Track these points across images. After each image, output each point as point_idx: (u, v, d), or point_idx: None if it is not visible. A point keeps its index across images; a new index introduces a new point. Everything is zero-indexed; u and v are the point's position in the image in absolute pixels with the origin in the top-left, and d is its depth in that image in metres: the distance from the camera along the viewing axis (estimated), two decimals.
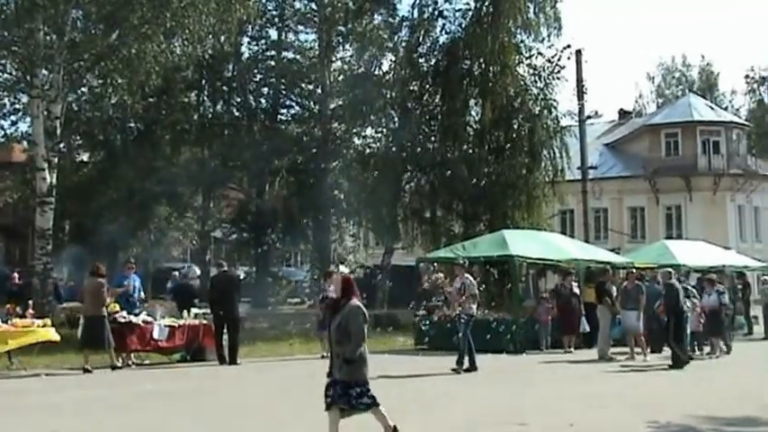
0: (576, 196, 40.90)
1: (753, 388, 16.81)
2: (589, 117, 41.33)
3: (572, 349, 23.60)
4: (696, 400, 14.81)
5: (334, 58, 43.43)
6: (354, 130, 42.42)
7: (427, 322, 24.86)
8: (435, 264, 27.60)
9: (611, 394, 15.78)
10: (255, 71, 44.48)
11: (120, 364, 18.83)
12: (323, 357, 20.84)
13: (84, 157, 43.81)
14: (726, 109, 77.21)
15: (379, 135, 41.35)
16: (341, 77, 43.08)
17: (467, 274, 19.32)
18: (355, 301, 10.10)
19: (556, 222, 43.12)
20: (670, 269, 23.18)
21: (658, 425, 12.23)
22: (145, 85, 31.94)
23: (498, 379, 18.06)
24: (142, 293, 21.44)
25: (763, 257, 43.86)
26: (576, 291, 24.53)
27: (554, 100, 36.12)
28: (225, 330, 20.10)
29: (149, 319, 19.93)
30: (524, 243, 26.16)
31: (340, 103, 42.81)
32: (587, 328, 24.07)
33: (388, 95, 39.08)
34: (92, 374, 17.90)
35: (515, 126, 35.83)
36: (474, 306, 19.22)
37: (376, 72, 40.47)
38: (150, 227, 42.52)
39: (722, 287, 24.33)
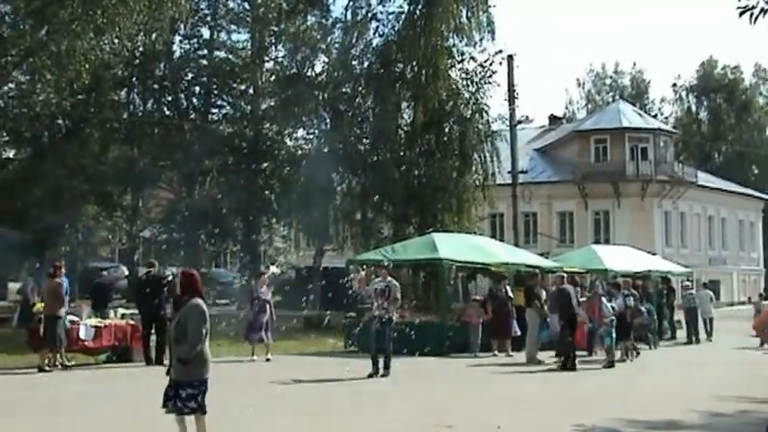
0: (506, 200, 41.24)
1: (676, 392, 17.12)
2: (520, 122, 41.66)
3: (510, 352, 23.68)
4: (621, 404, 15.03)
5: (266, 59, 43.23)
6: (286, 131, 42.26)
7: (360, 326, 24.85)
8: (365, 265, 27.60)
9: (538, 397, 15.95)
10: (187, 70, 44.07)
11: (48, 367, 18.59)
12: (252, 361, 20.80)
13: (11, 154, 43.02)
14: (655, 116, 78.61)
15: (311, 136, 41.32)
16: (273, 78, 42.87)
17: (390, 277, 19.14)
18: (196, 300, 9.72)
19: (486, 226, 43.41)
20: (563, 274, 23.61)
21: (584, 428, 12.39)
22: (74, 82, 31.46)
23: (425, 382, 18.14)
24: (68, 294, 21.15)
25: (687, 263, 44.75)
26: (511, 294, 24.71)
27: (485, 104, 36.39)
28: (153, 331, 19.97)
29: (75, 319, 19.69)
30: (454, 246, 26.27)
31: (272, 103, 42.61)
32: (518, 332, 24.28)
33: (321, 97, 39.01)
34: (19, 376, 17.70)
35: (447, 129, 36.02)
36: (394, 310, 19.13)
37: (308, 73, 40.35)
38: (78, 226, 41.88)
39: (627, 291, 24.68)
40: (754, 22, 13.14)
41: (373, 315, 18.59)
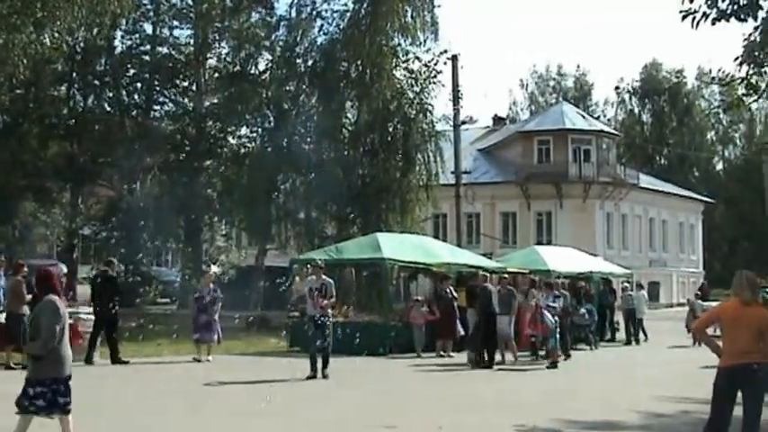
0: (449, 200, 41.36)
1: (616, 392, 17.30)
2: (464, 122, 41.88)
3: (451, 353, 23.74)
4: (563, 404, 15.15)
5: (209, 56, 42.88)
6: (229, 129, 41.96)
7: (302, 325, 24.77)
8: (309, 265, 27.53)
9: (480, 397, 16.02)
10: (129, 66, 43.56)
11: (13, 364, 18.43)
12: (194, 360, 20.62)
13: None
14: (598, 118, 79.29)
15: (254, 135, 41.06)
16: (216, 75, 42.54)
17: (324, 276, 19.02)
18: (51, 297, 9.46)
19: (429, 226, 43.53)
20: (486, 273, 23.82)
21: (525, 428, 12.48)
22: (13, 77, 30.97)
23: (367, 382, 18.14)
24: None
25: (628, 264, 45.19)
26: (455, 295, 24.79)
27: (430, 104, 36.59)
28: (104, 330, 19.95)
29: None
30: (397, 246, 26.32)
31: (215, 101, 42.29)
32: (462, 332, 24.37)
33: (264, 95, 38.86)
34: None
35: (391, 129, 36.12)
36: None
37: (252, 71, 40.16)
38: (15, 222, 41.25)
39: (559, 292, 24.95)
40: (696, 26, 13.35)
41: (309, 315, 18.41)
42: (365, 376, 19.02)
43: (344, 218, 35.49)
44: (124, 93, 43.76)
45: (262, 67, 40.29)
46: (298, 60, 37.70)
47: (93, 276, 23.31)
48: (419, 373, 20.27)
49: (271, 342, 26.05)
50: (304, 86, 37.62)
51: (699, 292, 40.57)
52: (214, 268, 41.82)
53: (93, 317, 20.35)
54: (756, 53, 13.93)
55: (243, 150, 41.04)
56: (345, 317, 24.45)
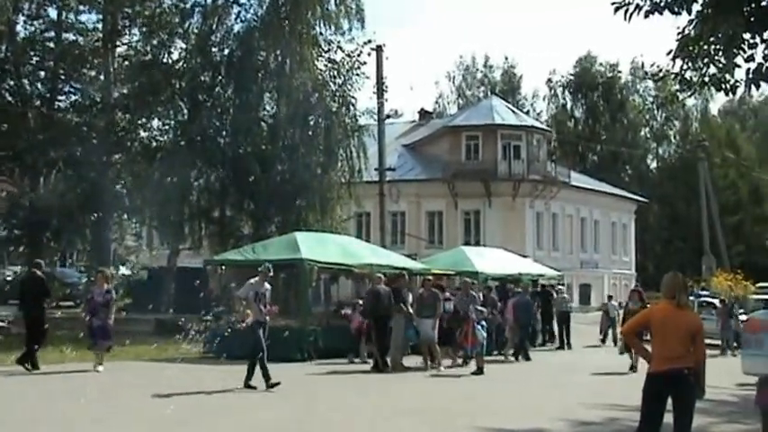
0: (372, 199, 41.36)
1: (545, 399, 17.42)
2: (388, 116, 41.98)
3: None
4: (487, 412, 15.21)
5: (119, 43, 42.22)
6: (140, 122, 41.36)
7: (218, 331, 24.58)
8: (223, 266, 27.35)
9: (402, 405, 16.02)
10: (32, 53, 42.70)
11: None
12: (94, 369, 20.14)
13: None
14: (527, 113, 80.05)
15: (167, 128, 40.56)
16: (126, 64, 41.93)
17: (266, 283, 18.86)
18: None
19: (351, 226, 43.51)
20: (380, 274, 23.98)
21: None
22: None
23: (283, 390, 17.98)
24: None
25: (559, 266, 45.68)
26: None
27: (353, 97, 36.58)
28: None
29: None
30: (316, 246, 26.31)
31: (125, 91, 41.67)
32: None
33: (177, 86, 38.43)
34: None
35: (311, 123, 36.03)
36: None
37: (164, 60, 39.63)
38: None
39: (448, 294, 25.21)
40: (629, 19, 13.47)
41: (256, 321, 18.03)
42: (281, 384, 18.86)
43: (261, 217, 35.29)
44: (26, 82, 42.88)
45: (175, 56, 39.82)
46: (213, 49, 37.36)
47: (21, 279, 22.84)
48: (336, 379, 20.23)
49: (183, 348, 25.76)
50: (220, 77, 37.32)
51: (611, 294, 41.14)
52: (123, 269, 41.41)
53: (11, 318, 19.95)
54: (691, 47, 14.10)
55: (154, 144, 40.51)
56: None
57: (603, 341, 33.80)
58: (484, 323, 23.00)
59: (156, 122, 41.29)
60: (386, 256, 29.24)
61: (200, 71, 37.36)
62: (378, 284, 23.06)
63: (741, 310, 35.91)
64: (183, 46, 39.15)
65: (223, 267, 27.41)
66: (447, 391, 18.55)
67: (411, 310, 23.59)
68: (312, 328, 24.40)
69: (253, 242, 29.78)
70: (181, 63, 38.82)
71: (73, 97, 43.44)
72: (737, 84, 14.00)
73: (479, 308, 23.47)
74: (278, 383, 17.27)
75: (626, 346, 23.16)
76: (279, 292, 28.53)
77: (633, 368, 22.38)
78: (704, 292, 43.18)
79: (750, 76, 13.24)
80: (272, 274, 19.13)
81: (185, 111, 38.88)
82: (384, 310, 22.64)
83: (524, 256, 40.66)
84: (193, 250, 39.00)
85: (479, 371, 21.80)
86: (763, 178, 76.71)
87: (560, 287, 34.39)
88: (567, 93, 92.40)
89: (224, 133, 37.03)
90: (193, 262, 36.21)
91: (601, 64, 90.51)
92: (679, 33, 14.10)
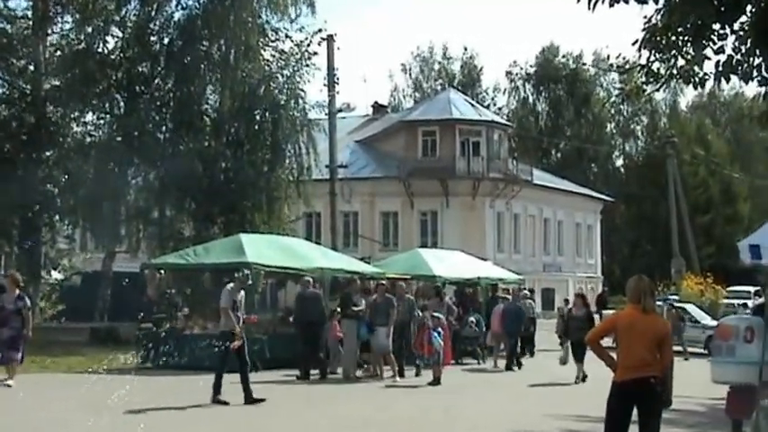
0: (323, 198, 41.30)
1: (505, 410, 17.48)
2: (340, 110, 42.00)
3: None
4: (443, 425, 15.24)
5: (50, 31, 41.86)
6: (73, 116, 41.01)
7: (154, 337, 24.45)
8: (162, 270, 27.22)
9: (355, 418, 16.02)
10: None
11: None
12: (4, 383, 19.71)
13: None
14: (488, 107, 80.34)
15: (102, 122, 40.23)
16: (58, 54, 41.56)
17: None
18: None
19: (300, 227, 43.44)
20: (309, 278, 24.17)
21: None
22: None
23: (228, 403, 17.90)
24: None
25: (521, 269, 45.91)
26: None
27: (302, 90, 36.51)
28: None
29: None
30: (263, 249, 26.22)
31: (56, 83, 41.29)
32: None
33: (114, 77, 38.14)
34: None
35: (258, 117, 35.95)
36: None
37: (99, 49, 39.28)
38: None
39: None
40: (593, 8, 13.52)
41: (230, 332, 17.83)
42: (226, 396, 18.75)
43: (204, 217, 35.12)
44: None
45: (111, 45, 39.48)
46: (152, 38, 37.13)
47: None
48: (284, 390, 20.19)
49: (120, 358, 25.57)
50: (159, 68, 37.11)
51: (568, 298, 41.27)
52: (55, 274, 41.02)
53: None
54: (658, 38, 14.16)
55: (89, 140, 40.18)
56: (203, 329, 24.22)
57: (562, 346, 33.93)
58: (441, 330, 23.03)
59: (90, 116, 40.92)
60: (337, 260, 29.24)
61: (138, 61, 37.12)
62: (308, 288, 23.19)
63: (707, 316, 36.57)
64: (120, 34, 38.85)
65: (162, 271, 27.27)
66: (406, 402, 18.57)
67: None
68: (258, 337, 24.28)
69: (194, 244, 29.67)
70: (117, 53, 38.52)
71: (0, 89, 43.00)
72: (707, 77, 14.09)
73: (435, 314, 23.51)
74: (262, 400, 17.35)
75: (569, 356, 23.52)
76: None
77: (583, 378, 22.54)
78: (673, 297, 43.50)
79: (720, 68, 13.35)
80: (250, 282, 18.98)
81: (122, 104, 38.59)
82: (312, 316, 22.72)
83: (484, 259, 40.78)
84: (130, 253, 38.74)
85: (436, 381, 21.82)
86: (734, 176, 77.58)
87: (525, 292, 34.52)
88: (528, 86, 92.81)
89: (164, 128, 36.85)
90: (130, 266, 35.96)
91: (564, 55, 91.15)
92: (646, 23, 14.16)
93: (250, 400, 17.31)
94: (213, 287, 26.68)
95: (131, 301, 28.26)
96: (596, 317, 29.00)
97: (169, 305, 26.56)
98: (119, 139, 37.39)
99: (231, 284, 18.29)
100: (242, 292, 18.27)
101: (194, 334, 24.28)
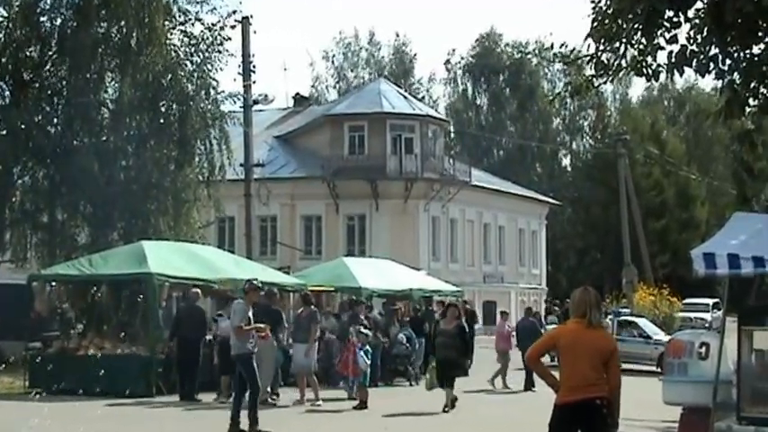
0: (237, 201, 41.21)
1: None
2: (257, 102, 41.79)
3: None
4: None
5: None
6: None
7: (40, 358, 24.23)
8: (53, 282, 27.00)
9: None
10: None
11: None
12: None
13: None
14: (422, 100, 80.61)
15: None
16: None
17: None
18: None
19: (211, 233, 43.29)
20: (196, 289, 24.42)
21: None
22: None
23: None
24: None
25: (458, 280, 46.17)
26: None
27: (214, 79, 36.38)
28: None
29: None
30: (168, 258, 26.16)
31: None
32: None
33: None
34: None
35: (163, 109, 35.77)
36: None
37: None
38: None
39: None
40: None
41: (244, 353, 17.84)
42: (121, 423, 18.69)
43: (101, 222, 34.87)
44: None
45: None
46: (42, 19, 36.78)
47: None
48: (188, 416, 20.14)
49: (5, 381, 25.36)
50: (50, 53, 36.75)
51: (506, 311, 41.79)
52: None
53: None
54: (606, 25, 14.32)
55: None
56: (100, 349, 24.08)
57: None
58: (368, 348, 23.10)
59: None
60: (252, 270, 29.18)
61: (26, 45, 36.71)
62: (196, 300, 23.51)
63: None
64: (5, 14, 38.44)
65: (53, 284, 27.02)
66: (330, 428, 18.61)
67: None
68: (161, 357, 24.20)
69: (90, 253, 29.44)
70: (1, 35, 38.12)
71: None
72: (660, 68, 14.27)
73: (363, 330, 23.59)
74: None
75: (437, 381, 22.90)
76: (122, 312, 28.36)
77: (452, 404, 21.87)
78: (624, 310, 44.06)
79: (673, 59, 13.55)
80: (263, 292, 19.30)
81: (7, 93, 38.19)
82: (188, 331, 22.96)
83: (417, 269, 40.97)
84: (16, 263, 38.30)
85: (362, 405, 21.88)
86: (691, 177, 78.65)
87: (467, 306, 34.78)
88: (467, 77, 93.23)
89: (55, 121, 36.53)
90: (16, 277, 35.56)
91: (507, 44, 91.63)
92: (594, 9, 14.32)
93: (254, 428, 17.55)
94: (111, 301, 26.50)
95: (18, 317, 27.98)
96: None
97: (61, 322, 26.37)
98: (4, 132, 36.99)
99: (241, 300, 18.61)
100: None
101: (90, 355, 24.09)
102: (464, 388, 23.91)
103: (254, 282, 19.00)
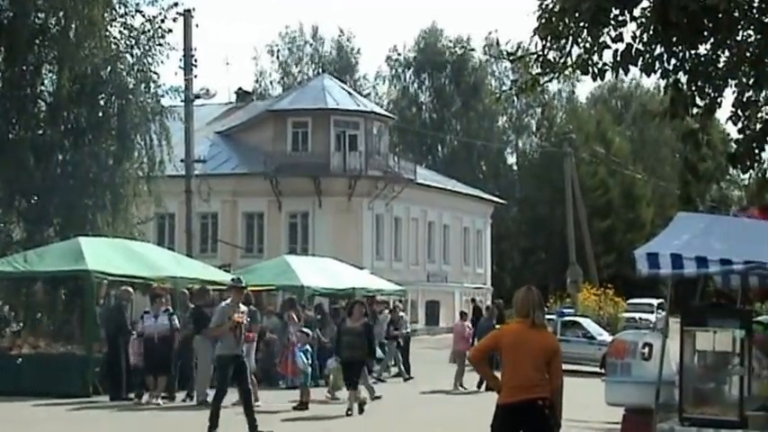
0: (177, 197, 41.02)
1: None
2: (198, 96, 41.66)
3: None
4: None
5: None
6: None
7: None
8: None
9: None
10: None
11: None
12: None
13: None
14: (367, 96, 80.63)
15: None
16: None
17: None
18: None
19: (151, 229, 43.02)
20: (128, 287, 24.54)
21: None
22: None
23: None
24: None
25: (402, 279, 46.17)
26: None
27: (154, 72, 36.12)
28: None
29: None
30: (106, 255, 26.01)
31: None
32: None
33: None
34: None
35: (102, 102, 35.47)
36: None
37: None
38: None
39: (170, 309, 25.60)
40: None
41: (228, 355, 17.83)
42: (59, 425, 18.55)
43: (37, 218, 34.53)
44: None
45: None
46: None
47: None
48: (128, 417, 20.03)
49: None
50: None
51: (465, 311, 41.96)
52: None
53: None
54: (553, 23, 14.36)
55: None
56: (35, 348, 23.88)
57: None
58: (309, 348, 23.08)
59: None
60: (192, 267, 29.11)
61: None
62: (125, 299, 23.76)
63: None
64: None
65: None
66: (275, 428, 18.58)
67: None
68: (99, 356, 24.04)
69: (25, 249, 29.16)
70: None
71: None
72: (606, 67, 14.33)
73: (304, 330, 23.57)
74: None
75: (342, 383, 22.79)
76: (58, 311, 28.17)
77: (360, 408, 21.43)
78: (569, 310, 44.23)
79: (618, 58, 13.64)
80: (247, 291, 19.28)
81: None
82: (109, 330, 23.03)
83: (361, 268, 40.99)
84: None
85: (303, 406, 21.84)
86: (637, 177, 79.20)
87: (399, 305, 34.78)
88: (409, 73, 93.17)
89: None
90: None
91: (450, 39, 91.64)
92: (540, 6, 14.36)
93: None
94: (47, 299, 26.29)
95: None
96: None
97: None
98: None
99: (227, 301, 18.51)
100: (242, 306, 18.34)
101: (24, 354, 23.88)
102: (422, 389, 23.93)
103: (235, 280, 18.92)
